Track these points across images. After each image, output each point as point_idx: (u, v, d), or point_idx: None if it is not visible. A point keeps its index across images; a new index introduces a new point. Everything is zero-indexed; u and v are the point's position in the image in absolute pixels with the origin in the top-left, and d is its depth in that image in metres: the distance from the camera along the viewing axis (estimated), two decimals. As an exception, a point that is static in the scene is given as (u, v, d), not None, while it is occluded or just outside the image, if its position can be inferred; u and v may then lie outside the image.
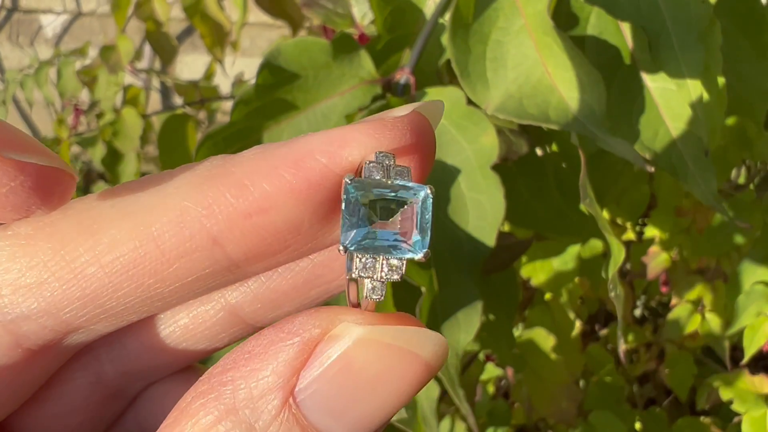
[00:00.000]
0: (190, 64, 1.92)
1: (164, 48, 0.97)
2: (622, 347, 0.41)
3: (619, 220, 0.96)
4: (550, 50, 0.30)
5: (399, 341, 0.15)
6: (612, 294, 0.35)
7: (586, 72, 0.29)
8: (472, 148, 0.32)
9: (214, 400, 0.15)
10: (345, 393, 0.15)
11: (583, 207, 0.34)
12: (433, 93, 0.34)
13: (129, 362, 0.19)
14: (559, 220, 0.43)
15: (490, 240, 0.33)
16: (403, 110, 0.17)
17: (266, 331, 0.16)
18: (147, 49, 1.40)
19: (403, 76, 0.35)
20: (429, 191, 0.16)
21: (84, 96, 1.16)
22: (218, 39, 1.01)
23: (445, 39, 0.35)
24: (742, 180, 1.07)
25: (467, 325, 0.32)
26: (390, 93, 0.35)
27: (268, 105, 0.33)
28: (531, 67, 0.30)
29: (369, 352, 0.15)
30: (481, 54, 0.31)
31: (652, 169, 0.31)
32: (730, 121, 0.76)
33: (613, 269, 0.35)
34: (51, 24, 1.99)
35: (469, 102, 0.32)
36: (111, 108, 0.96)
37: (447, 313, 0.32)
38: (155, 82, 1.78)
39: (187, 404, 0.16)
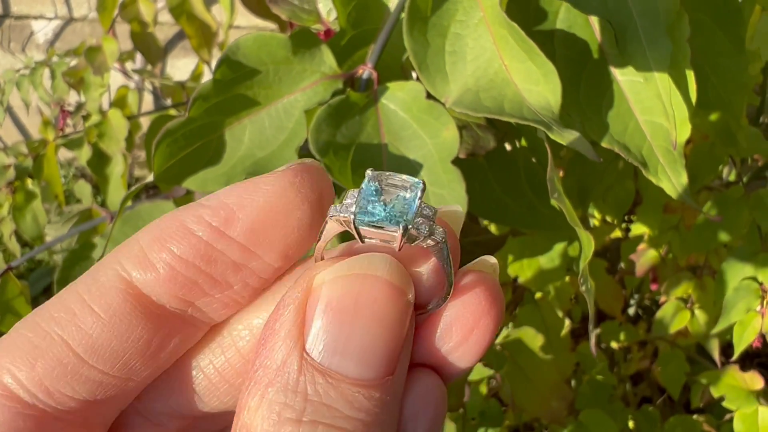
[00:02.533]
0: (182, 69, 1.91)
1: (150, 49, 0.97)
2: (593, 345, 0.41)
3: (608, 218, 0.96)
4: (505, 42, 0.30)
5: (355, 269, 0.18)
6: (582, 288, 0.35)
7: (540, 64, 0.29)
8: (433, 142, 0.32)
9: (254, 386, 0.17)
10: (339, 331, 0.17)
11: (553, 201, 0.34)
12: (394, 87, 0.34)
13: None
14: (531, 215, 0.42)
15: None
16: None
17: (269, 318, 0.18)
18: (139, 51, 1.40)
19: (365, 71, 0.34)
20: (421, 181, 0.18)
21: (74, 98, 1.16)
22: (205, 40, 1.00)
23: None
24: (732, 177, 1.07)
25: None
26: (352, 88, 0.35)
27: (228, 101, 0.33)
28: (489, 60, 0.30)
29: (339, 288, 0.17)
30: (440, 47, 0.31)
31: (601, 160, 0.31)
32: (714, 116, 0.76)
33: (583, 263, 0.35)
34: (43, 30, 1.99)
35: (429, 96, 0.32)
36: (97, 109, 0.96)
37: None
38: (148, 84, 1.78)
39: (240, 402, 0.18)
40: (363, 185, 0.18)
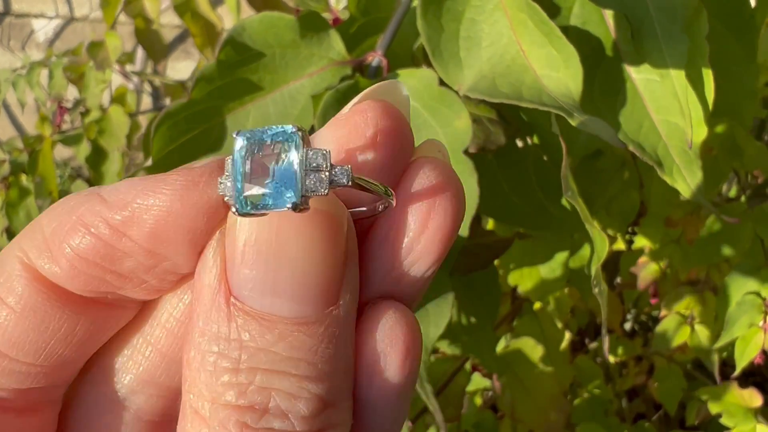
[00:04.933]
0: (182, 71, 1.91)
1: (154, 46, 0.96)
2: (607, 349, 0.40)
3: (610, 231, 0.95)
4: (524, 27, 0.29)
5: None
6: (595, 290, 0.34)
7: (560, 48, 0.28)
8: (444, 132, 0.31)
9: (191, 338, 0.16)
10: (265, 269, 0.16)
11: (564, 201, 0.33)
12: (405, 75, 0.33)
13: None
14: (540, 216, 0.41)
15: (463, 229, 0.31)
16: (353, 102, 0.18)
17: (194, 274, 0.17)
18: (140, 52, 1.39)
19: (375, 58, 0.33)
20: (294, 129, 0.16)
21: (72, 95, 1.15)
22: (209, 39, 1.00)
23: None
24: (733, 193, 1.06)
25: (437, 317, 0.30)
26: (361, 75, 0.34)
27: (232, 84, 0.32)
28: (505, 46, 0.29)
29: (255, 224, 0.16)
30: (454, 32, 0.30)
31: (624, 146, 0.29)
32: (719, 129, 0.76)
33: (596, 264, 0.34)
34: (43, 29, 1.99)
35: (442, 83, 0.31)
36: (97, 106, 0.95)
37: (418, 306, 0.30)
38: (147, 86, 1.77)
39: (183, 357, 0.17)
40: (232, 157, 0.16)
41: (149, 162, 0.33)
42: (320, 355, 0.16)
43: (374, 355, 0.17)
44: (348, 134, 0.17)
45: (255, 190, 0.16)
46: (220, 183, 0.17)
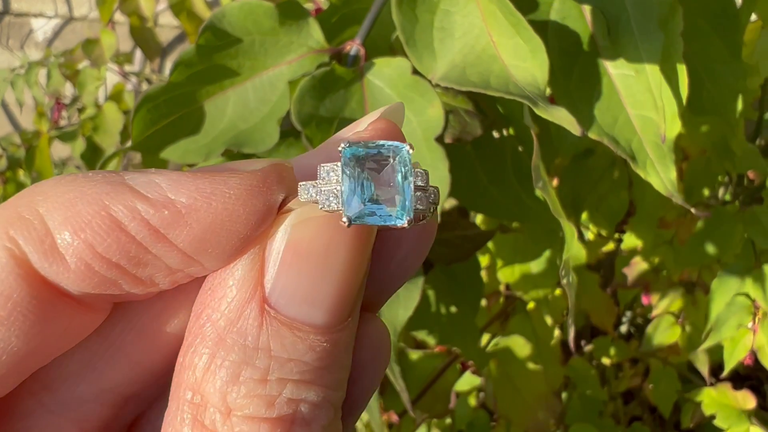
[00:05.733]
0: (183, 70, 1.91)
1: (148, 44, 0.97)
2: (571, 338, 0.40)
3: (603, 232, 0.96)
4: (494, 18, 0.29)
5: (320, 211, 0.16)
6: (564, 281, 0.34)
7: (528, 38, 0.29)
8: (418, 120, 0.31)
9: (201, 343, 0.15)
10: (307, 275, 0.15)
11: (538, 193, 0.33)
12: (381, 63, 0.33)
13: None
14: (517, 207, 0.42)
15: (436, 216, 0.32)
16: (367, 120, 0.18)
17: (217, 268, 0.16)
18: (138, 53, 1.40)
19: (353, 47, 0.34)
20: (408, 146, 0.16)
21: (70, 91, 1.15)
22: (204, 38, 1.00)
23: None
24: (728, 197, 1.06)
25: (407, 299, 0.31)
26: (338, 64, 0.34)
27: (212, 69, 0.32)
28: (477, 37, 0.29)
29: (307, 230, 0.15)
30: (428, 23, 0.30)
31: (585, 133, 0.30)
32: (708, 129, 0.76)
33: (566, 254, 0.34)
34: (42, 28, 1.99)
35: (415, 72, 0.32)
36: (93, 102, 0.95)
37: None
38: (145, 87, 1.78)
39: (182, 360, 0.16)
40: (341, 168, 0.16)
41: (129, 143, 0.34)
42: (339, 365, 0.16)
43: (361, 361, 0.18)
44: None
45: (367, 205, 0.16)
46: (303, 188, 0.16)
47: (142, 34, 0.95)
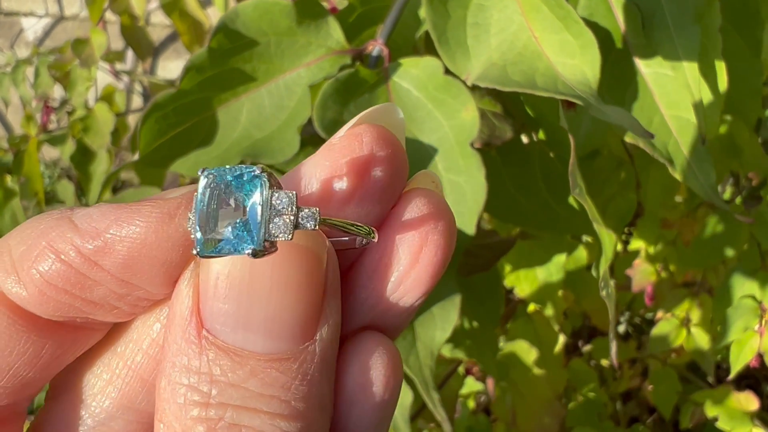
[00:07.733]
0: (173, 71, 1.90)
1: (140, 43, 0.94)
2: (614, 353, 0.38)
3: (611, 234, 0.94)
4: (537, 12, 0.27)
5: None
6: (603, 293, 0.32)
7: (577, 33, 0.27)
8: (450, 124, 0.29)
9: (163, 368, 0.16)
10: (237, 303, 0.16)
11: (571, 200, 0.31)
12: (408, 64, 0.31)
13: None
14: (546, 215, 0.40)
15: (470, 227, 0.30)
16: (348, 125, 0.17)
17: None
18: (130, 51, 1.37)
19: (375, 47, 0.32)
20: (259, 171, 0.15)
21: (59, 94, 1.12)
22: (197, 37, 0.98)
23: (422, 11, 0.32)
24: (727, 195, 1.06)
25: (443, 320, 0.29)
26: (362, 65, 0.32)
27: (224, 74, 0.30)
28: (516, 32, 0.27)
29: (230, 258, 0.16)
30: (461, 19, 0.28)
31: (653, 137, 0.28)
32: (723, 129, 0.75)
33: (604, 266, 0.32)
34: (32, 27, 1.97)
35: (447, 72, 0.30)
36: (83, 104, 0.93)
37: (421, 307, 0.29)
38: (138, 86, 1.75)
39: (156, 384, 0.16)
40: (196, 196, 0.16)
41: (136, 156, 0.31)
42: (293, 392, 0.16)
43: (354, 387, 0.17)
44: (342, 159, 0.17)
45: (215, 234, 0.15)
46: (189, 218, 0.16)
47: (134, 34, 0.92)
